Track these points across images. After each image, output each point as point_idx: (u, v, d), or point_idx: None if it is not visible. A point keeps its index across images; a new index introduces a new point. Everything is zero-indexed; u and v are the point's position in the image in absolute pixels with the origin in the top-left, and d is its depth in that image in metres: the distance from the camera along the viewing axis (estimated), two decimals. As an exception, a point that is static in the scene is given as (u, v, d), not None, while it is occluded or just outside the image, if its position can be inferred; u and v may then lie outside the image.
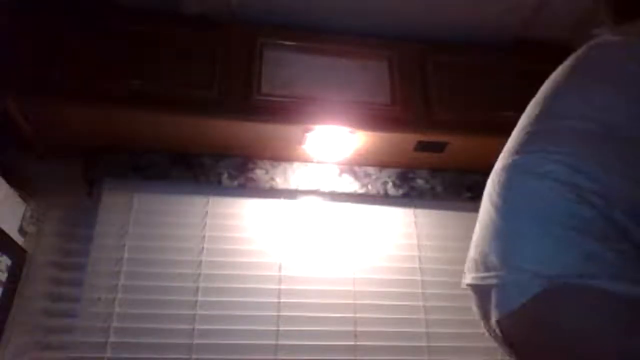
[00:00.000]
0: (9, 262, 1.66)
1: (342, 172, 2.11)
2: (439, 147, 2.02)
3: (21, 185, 1.78)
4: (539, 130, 0.74)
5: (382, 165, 2.13)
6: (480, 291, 0.74)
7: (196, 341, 1.75)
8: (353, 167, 2.12)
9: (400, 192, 2.12)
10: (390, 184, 2.12)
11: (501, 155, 0.79)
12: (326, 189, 2.07)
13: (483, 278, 0.72)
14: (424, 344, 1.88)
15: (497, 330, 0.72)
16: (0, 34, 1.71)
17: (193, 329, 1.77)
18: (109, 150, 1.94)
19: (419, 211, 2.13)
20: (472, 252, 0.79)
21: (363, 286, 1.94)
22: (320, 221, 2.04)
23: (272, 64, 1.91)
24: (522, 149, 0.73)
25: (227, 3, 1.94)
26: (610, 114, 0.69)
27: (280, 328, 1.82)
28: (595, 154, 0.66)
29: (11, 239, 1.69)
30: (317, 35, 2.01)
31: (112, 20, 1.84)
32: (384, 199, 2.11)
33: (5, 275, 1.64)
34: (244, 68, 1.88)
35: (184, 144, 1.95)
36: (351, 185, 2.10)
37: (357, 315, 1.88)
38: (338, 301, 1.89)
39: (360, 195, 2.09)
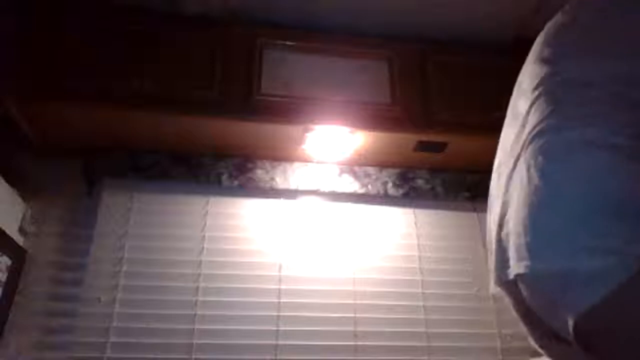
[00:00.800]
0: (9, 262, 1.66)
1: (342, 172, 2.11)
2: (439, 147, 2.02)
3: (21, 185, 1.78)
4: (569, 101, 0.69)
5: (382, 165, 2.13)
6: (542, 281, 0.65)
7: (196, 341, 1.75)
8: (353, 167, 2.12)
9: (400, 192, 2.12)
10: (390, 184, 2.12)
11: (526, 130, 0.72)
12: (326, 189, 2.07)
13: (548, 265, 0.63)
14: (424, 344, 1.88)
15: (572, 326, 0.62)
16: (1, 34, 1.71)
17: (193, 329, 1.77)
18: (109, 150, 1.94)
19: (419, 211, 2.12)
20: (518, 238, 0.69)
21: (363, 286, 1.94)
22: (320, 221, 2.04)
23: (272, 64, 1.91)
24: (567, 123, 0.67)
25: (227, 3, 1.94)
26: (618, 74, 0.67)
27: (280, 328, 1.81)
28: (623, 117, 0.64)
29: (11, 239, 1.69)
30: (317, 35, 2.01)
31: (112, 20, 1.84)
32: (384, 199, 2.11)
33: (5, 275, 1.64)
34: (244, 68, 1.88)
35: (184, 144, 1.95)
36: (351, 185, 2.10)
37: (357, 315, 1.88)
38: (338, 301, 1.89)
39: (360, 195, 2.10)
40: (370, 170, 2.13)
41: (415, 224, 2.10)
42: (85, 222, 1.87)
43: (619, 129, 0.63)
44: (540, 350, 0.80)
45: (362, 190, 2.09)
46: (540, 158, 0.69)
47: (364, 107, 1.91)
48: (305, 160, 2.08)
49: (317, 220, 2.04)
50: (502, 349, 1.90)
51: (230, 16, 1.96)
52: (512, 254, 0.71)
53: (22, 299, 1.71)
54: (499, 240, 0.76)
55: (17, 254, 1.72)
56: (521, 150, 0.73)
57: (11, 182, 1.72)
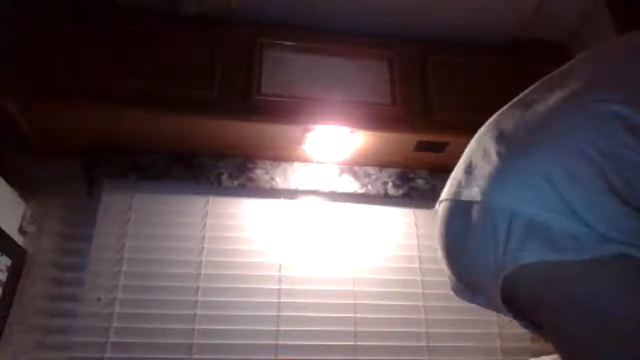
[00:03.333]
0: (9, 262, 1.66)
1: (342, 172, 2.11)
2: (439, 147, 2.02)
3: (21, 185, 1.78)
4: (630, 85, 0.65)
5: (382, 165, 2.13)
6: (503, 218, 0.61)
7: (196, 341, 1.75)
8: (353, 167, 2.12)
9: (400, 192, 2.12)
10: (390, 184, 2.12)
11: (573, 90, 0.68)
12: (326, 189, 2.07)
13: (521, 207, 0.60)
14: (423, 344, 1.88)
15: (507, 271, 0.61)
16: (1, 34, 1.71)
17: (193, 329, 1.77)
18: (109, 150, 1.94)
19: (419, 211, 2.13)
20: (498, 161, 0.66)
21: (363, 286, 1.94)
22: (320, 221, 2.04)
23: (272, 64, 1.91)
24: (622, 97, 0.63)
25: (227, 3, 1.94)
26: None
27: (280, 328, 1.82)
28: None
29: (11, 239, 1.69)
30: (317, 35, 2.01)
31: (112, 20, 1.84)
32: (384, 199, 2.11)
33: (5, 275, 1.64)
34: (244, 68, 1.88)
35: (184, 144, 1.95)
36: (351, 185, 2.10)
37: (357, 315, 1.88)
38: (338, 301, 1.89)
39: (360, 195, 2.09)
40: (370, 170, 2.13)
41: (415, 224, 2.10)
42: (85, 222, 1.87)
43: None
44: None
45: (362, 190, 2.09)
46: (582, 119, 0.64)
47: (364, 107, 1.91)
48: (305, 160, 2.08)
49: (317, 220, 2.04)
50: (502, 349, 1.90)
51: (230, 16, 1.96)
52: (480, 176, 0.67)
53: (22, 299, 1.72)
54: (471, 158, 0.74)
55: (17, 254, 1.72)
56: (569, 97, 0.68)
57: (11, 182, 1.72)
